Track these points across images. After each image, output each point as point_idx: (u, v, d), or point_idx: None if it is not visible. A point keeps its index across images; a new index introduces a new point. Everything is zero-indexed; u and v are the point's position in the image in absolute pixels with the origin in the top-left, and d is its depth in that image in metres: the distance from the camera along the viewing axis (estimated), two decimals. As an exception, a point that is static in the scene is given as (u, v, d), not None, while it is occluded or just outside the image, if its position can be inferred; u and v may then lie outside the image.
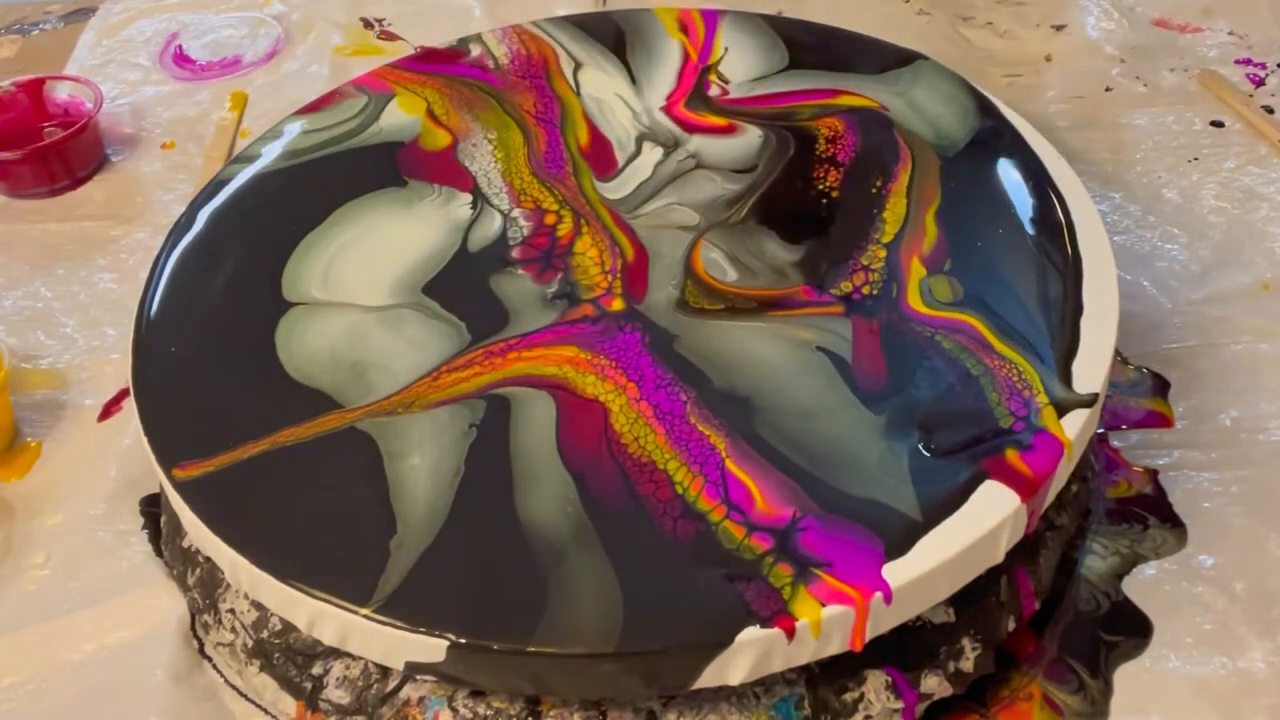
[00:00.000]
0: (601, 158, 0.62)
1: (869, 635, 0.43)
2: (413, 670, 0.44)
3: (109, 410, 0.63)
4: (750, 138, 0.62)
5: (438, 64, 0.70)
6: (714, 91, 0.66)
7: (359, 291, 0.55)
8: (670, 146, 0.62)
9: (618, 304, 0.53)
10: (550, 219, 0.58)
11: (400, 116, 0.66)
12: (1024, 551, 0.48)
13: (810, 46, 0.69)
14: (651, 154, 0.62)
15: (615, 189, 0.60)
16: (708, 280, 0.54)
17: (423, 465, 0.47)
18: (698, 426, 0.47)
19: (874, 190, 0.58)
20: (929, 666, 0.46)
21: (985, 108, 0.63)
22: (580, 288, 0.54)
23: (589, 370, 0.50)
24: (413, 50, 0.83)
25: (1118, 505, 0.55)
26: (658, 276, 0.55)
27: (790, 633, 0.41)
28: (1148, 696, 0.48)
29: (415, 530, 0.45)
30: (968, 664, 0.47)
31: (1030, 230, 0.56)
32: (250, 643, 0.49)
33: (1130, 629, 0.50)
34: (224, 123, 0.82)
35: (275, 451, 0.48)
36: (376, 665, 0.47)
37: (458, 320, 0.53)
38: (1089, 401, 0.47)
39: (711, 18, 0.71)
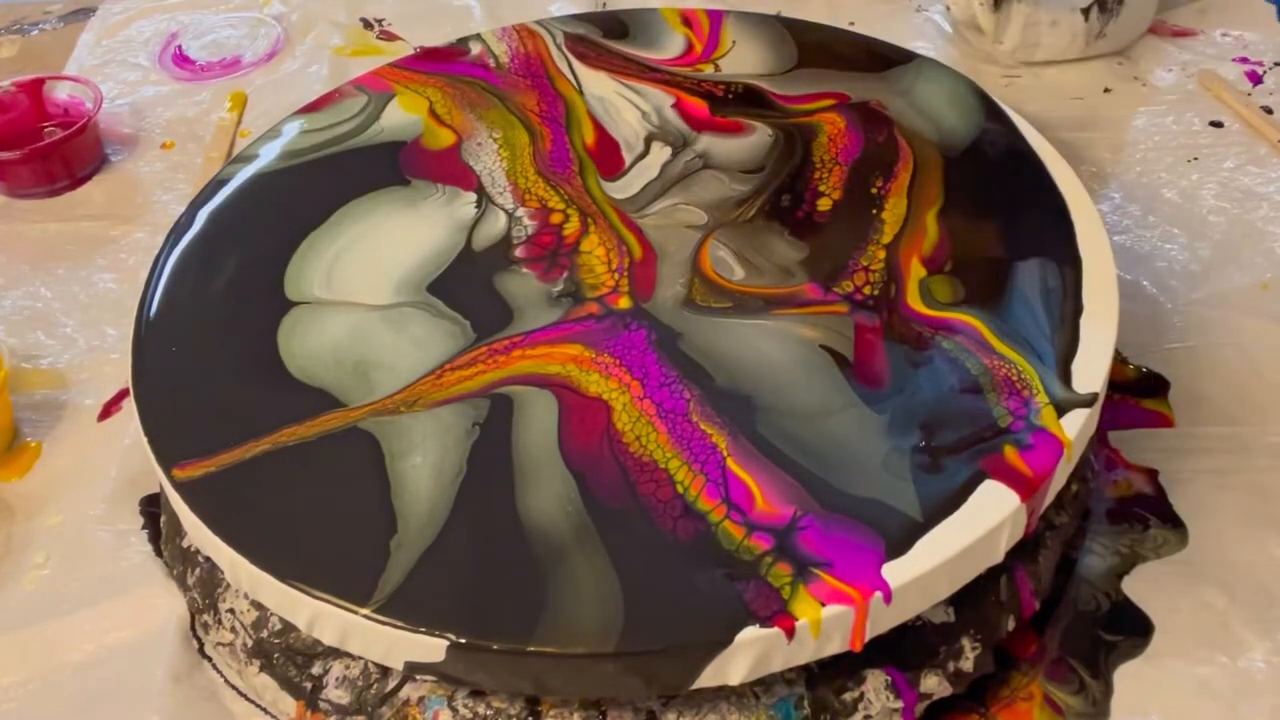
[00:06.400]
0: (608, 157, 0.62)
1: (869, 635, 0.43)
2: (413, 670, 0.44)
3: (109, 410, 0.63)
4: (758, 137, 0.62)
5: (439, 63, 0.70)
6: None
7: (363, 290, 0.55)
8: (678, 146, 0.62)
9: (624, 302, 0.53)
10: (556, 218, 0.58)
11: (402, 116, 0.66)
12: (1024, 551, 0.48)
13: (812, 46, 0.69)
14: (659, 154, 0.62)
15: (621, 188, 0.60)
16: (715, 278, 0.54)
17: (425, 464, 0.47)
18: (700, 425, 0.47)
19: (876, 190, 0.58)
20: (929, 666, 0.46)
21: (987, 107, 0.63)
22: (586, 286, 0.54)
23: (593, 368, 0.50)
24: (413, 50, 0.83)
25: (1118, 505, 0.55)
26: (665, 275, 0.55)
27: (790, 632, 0.41)
28: (1148, 696, 0.48)
29: (416, 530, 0.45)
30: (967, 664, 0.47)
31: (1030, 230, 0.56)
32: (250, 643, 0.49)
33: (1130, 629, 0.50)
34: (224, 123, 0.82)
35: (276, 451, 0.48)
36: (376, 665, 0.47)
37: (461, 319, 0.53)
38: (1089, 401, 0.47)
39: (716, 15, 0.72)
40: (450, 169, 0.62)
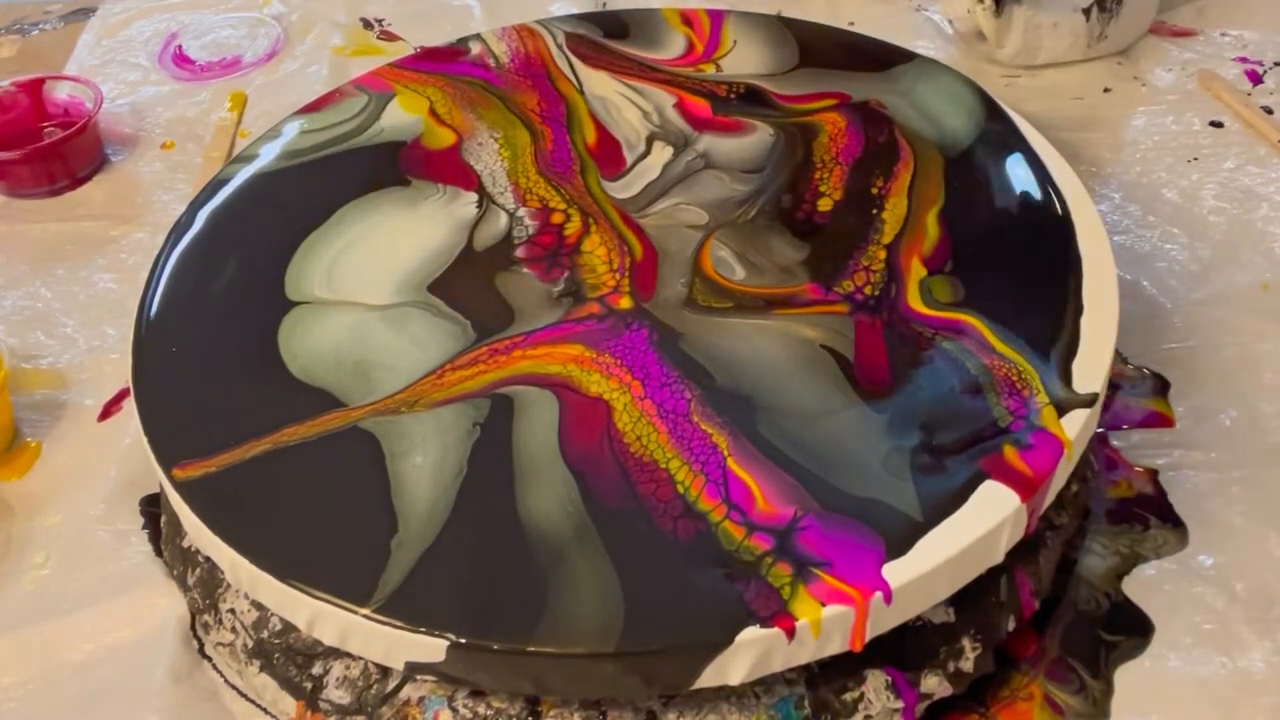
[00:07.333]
0: (609, 157, 0.62)
1: (869, 635, 0.43)
2: (413, 670, 0.44)
3: (109, 410, 0.63)
4: (759, 137, 0.62)
5: (439, 63, 0.70)
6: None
7: (363, 290, 0.55)
8: (680, 146, 0.62)
9: (625, 302, 0.53)
10: (558, 218, 0.58)
11: (402, 116, 0.66)
12: (1024, 551, 0.48)
13: (812, 45, 0.69)
14: (661, 153, 0.62)
15: (623, 188, 0.60)
16: (716, 278, 0.54)
17: (425, 464, 0.47)
18: (700, 425, 0.47)
19: (876, 190, 0.58)
20: (929, 666, 0.46)
21: (987, 107, 0.63)
22: (587, 286, 0.54)
23: (594, 368, 0.50)
24: (413, 50, 0.83)
25: (1118, 505, 0.55)
26: (666, 275, 0.55)
27: (790, 633, 0.41)
28: (1148, 696, 0.48)
29: (416, 529, 0.45)
30: (968, 664, 0.47)
31: (1030, 230, 0.56)
32: (250, 643, 0.49)
33: (1131, 629, 0.50)
34: (224, 123, 0.82)
35: (276, 451, 0.48)
36: (376, 665, 0.47)
37: (462, 319, 0.53)
38: (1089, 401, 0.47)
39: (717, 15, 0.72)
40: (451, 169, 0.62)
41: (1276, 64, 0.81)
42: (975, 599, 0.47)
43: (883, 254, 0.55)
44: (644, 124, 0.64)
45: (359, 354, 0.52)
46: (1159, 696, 0.48)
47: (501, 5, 0.92)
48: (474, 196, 0.60)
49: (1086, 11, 0.79)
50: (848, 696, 0.45)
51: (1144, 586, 0.52)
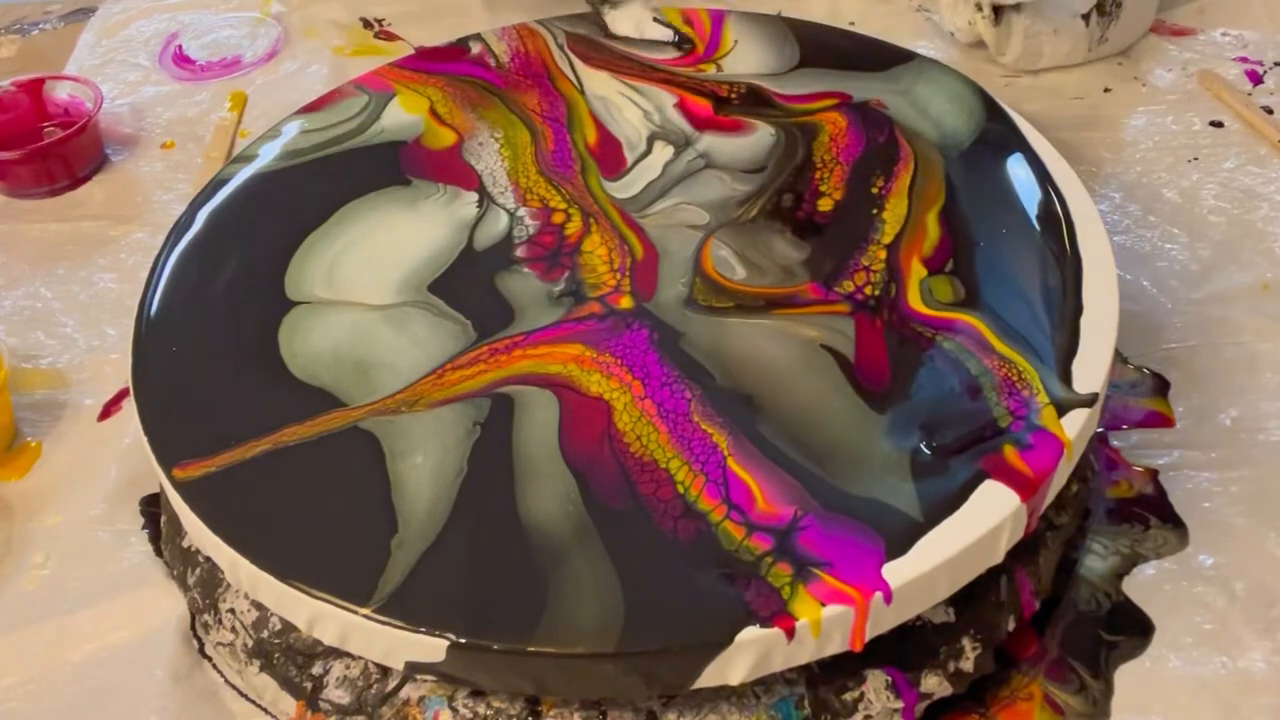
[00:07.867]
0: (610, 156, 0.62)
1: (869, 635, 0.43)
2: (413, 670, 0.44)
3: (109, 410, 0.63)
4: (759, 137, 0.62)
5: (439, 63, 0.70)
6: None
7: (364, 290, 0.55)
8: (680, 146, 0.62)
9: (626, 302, 0.53)
10: (558, 218, 0.58)
11: (402, 116, 0.66)
12: (1024, 551, 0.48)
13: (813, 45, 0.69)
14: (661, 153, 0.62)
15: (623, 188, 0.60)
16: (717, 278, 0.54)
17: (425, 464, 0.47)
18: (701, 425, 0.47)
19: (877, 190, 0.58)
20: (929, 666, 0.46)
21: (988, 107, 0.63)
22: (587, 286, 0.54)
23: (594, 368, 0.50)
24: (412, 50, 0.83)
25: (1118, 505, 0.55)
26: (667, 275, 0.55)
27: (790, 632, 0.41)
28: (1148, 696, 0.48)
29: (416, 529, 0.45)
30: (968, 664, 0.47)
31: (1030, 230, 0.56)
32: (250, 643, 0.50)
33: (1131, 629, 0.50)
34: (224, 123, 0.82)
35: (277, 451, 0.48)
36: (376, 665, 0.47)
37: (463, 318, 0.53)
38: (1089, 401, 0.47)
39: (717, 15, 0.72)
40: (451, 169, 0.62)
41: (1276, 64, 0.81)
42: (975, 599, 0.47)
43: (883, 254, 0.55)
44: (645, 124, 0.64)
45: (359, 354, 0.52)
46: (1159, 696, 0.48)
47: (501, 5, 0.92)
48: (474, 196, 0.60)
49: (1085, 17, 0.79)
50: (848, 696, 0.45)
51: (1144, 586, 0.52)
